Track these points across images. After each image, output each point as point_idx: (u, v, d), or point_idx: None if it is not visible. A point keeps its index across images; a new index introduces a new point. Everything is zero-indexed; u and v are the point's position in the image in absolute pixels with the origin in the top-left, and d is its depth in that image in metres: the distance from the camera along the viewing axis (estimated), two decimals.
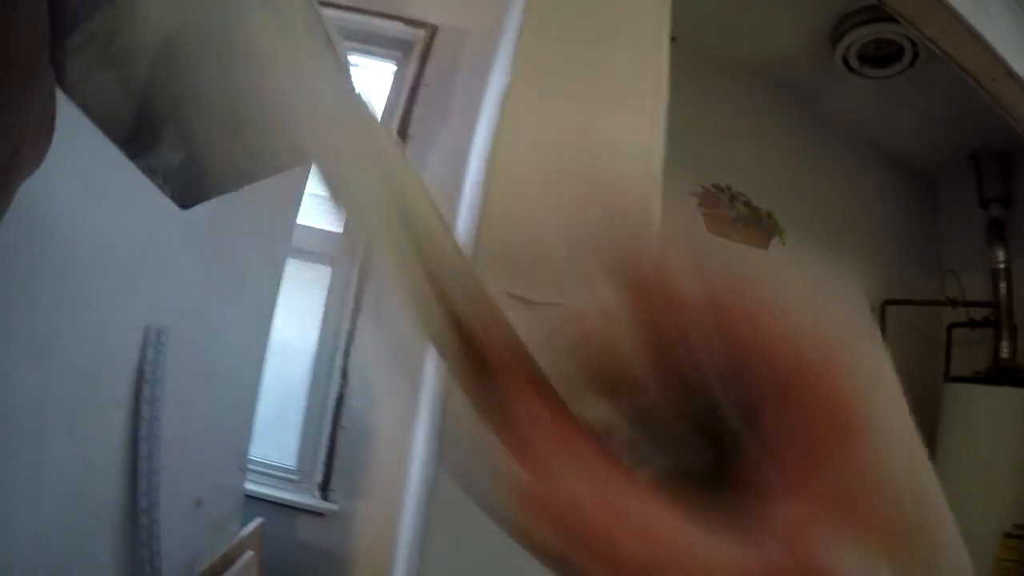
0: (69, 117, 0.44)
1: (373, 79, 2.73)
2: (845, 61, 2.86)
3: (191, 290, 1.46)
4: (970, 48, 2.03)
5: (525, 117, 0.80)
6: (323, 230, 2.51)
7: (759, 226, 3.10)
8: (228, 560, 1.69)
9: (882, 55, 2.81)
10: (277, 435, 2.44)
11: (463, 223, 0.91)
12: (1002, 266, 3.06)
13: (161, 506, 1.34)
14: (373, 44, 2.70)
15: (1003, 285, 3.05)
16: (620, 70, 0.82)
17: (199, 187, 0.46)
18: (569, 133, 0.80)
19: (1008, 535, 2.54)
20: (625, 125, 0.80)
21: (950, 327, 3.18)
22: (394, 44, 2.70)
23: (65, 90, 0.42)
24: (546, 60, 0.82)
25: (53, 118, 0.39)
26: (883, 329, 3.14)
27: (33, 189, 0.38)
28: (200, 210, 0.48)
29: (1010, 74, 2.04)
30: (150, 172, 0.45)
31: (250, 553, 1.78)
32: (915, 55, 2.73)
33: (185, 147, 0.45)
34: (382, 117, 2.49)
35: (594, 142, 0.79)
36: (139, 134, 0.44)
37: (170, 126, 0.44)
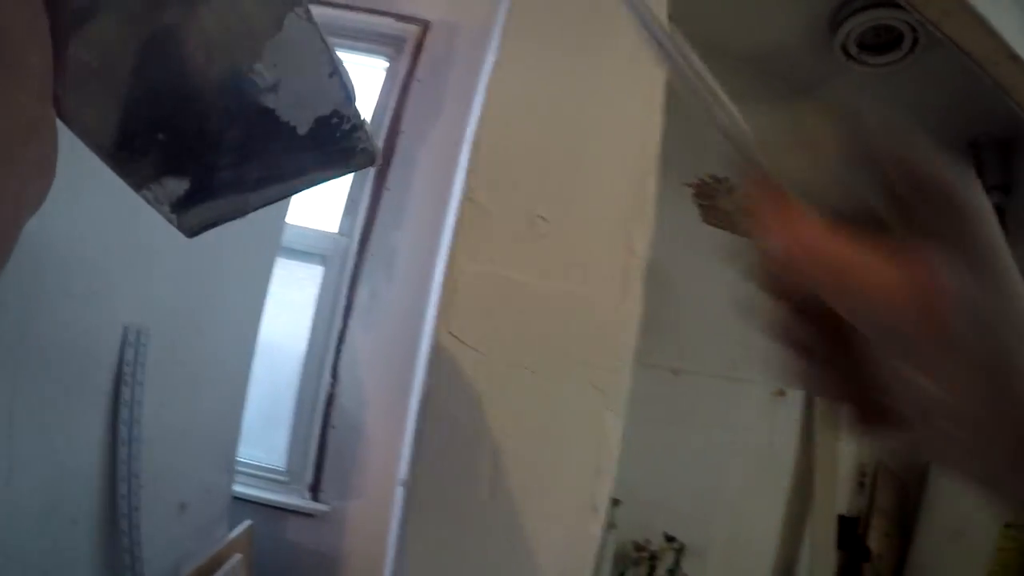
0: None
1: (366, 75, 2.70)
2: (844, 49, 2.81)
3: (175, 289, 1.42)
4: (972, 32, 2.00)
5: (513, 93, 0.76)
6: (314, 229, 2.51)
7: None
8: (215, 564, 1.65)
9: (881, 42, 2.77)
10: (266, 435, 2.41)
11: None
12: None
13: (143, 510, 1.32)
14: (365, 40, 2.69)
15: None
16: (617, 45, 0.79)
17: (206, 214, 0.47)
18: (561, 110, 0.76)
19: (1007, 525, 2.55)
20: (622, 102, 0.76)
21: None
22: (386, 40, 2.69)
23: (64, 119, 0.40)
24: (537, 34, 0.78)
25: (55, 156, 0.37)
26: None
27: None
28: None
29: (1013, 57, 2.02)
30: (156, 203, 0.44)
31: (238, 556, 1.74)
32: (915, 41, 2.68)
33: (191, 174, 0.45)
34: (374, 113, 2.49)
35: (589, 118, 0.75)
36: (142, 162, 0.43)
37: (173, 151, 0.44)
